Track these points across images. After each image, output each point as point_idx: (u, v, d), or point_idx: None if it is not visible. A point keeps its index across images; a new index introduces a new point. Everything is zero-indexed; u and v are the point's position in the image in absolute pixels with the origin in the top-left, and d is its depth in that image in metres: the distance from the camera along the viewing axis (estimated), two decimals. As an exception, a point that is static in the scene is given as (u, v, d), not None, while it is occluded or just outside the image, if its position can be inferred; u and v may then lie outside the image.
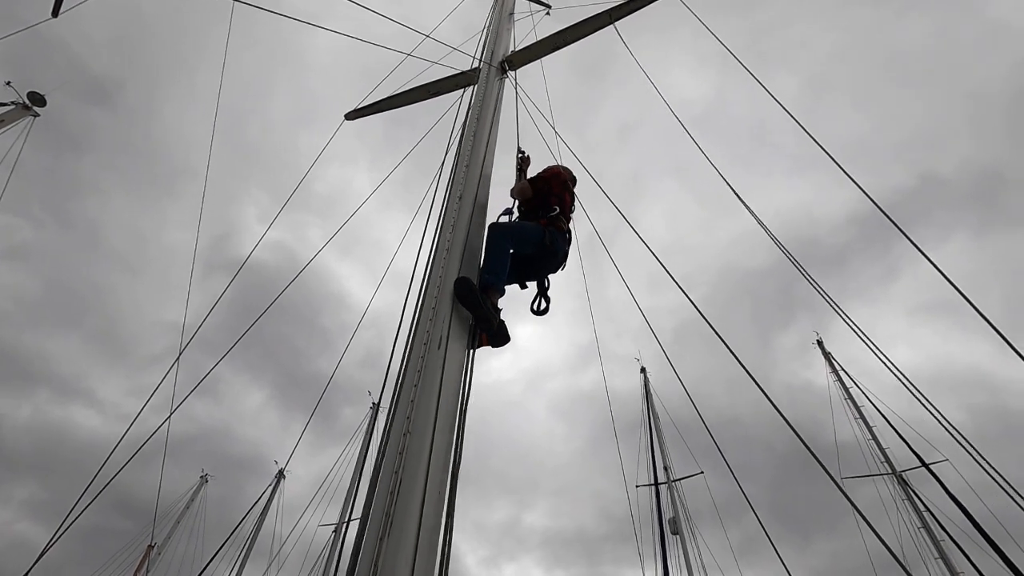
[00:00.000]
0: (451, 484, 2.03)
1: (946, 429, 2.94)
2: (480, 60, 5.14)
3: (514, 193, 3.72)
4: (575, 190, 3.92)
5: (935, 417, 3.01)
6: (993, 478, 2.67)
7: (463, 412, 2.33)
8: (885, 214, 3.18)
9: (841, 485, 2.37)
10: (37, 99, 12.46)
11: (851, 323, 3.08)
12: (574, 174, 4.03)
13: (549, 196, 3.56)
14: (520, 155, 4.23)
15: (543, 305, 3.42)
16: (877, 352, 3.27)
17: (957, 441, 2.80)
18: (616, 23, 5.37)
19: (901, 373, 3.39)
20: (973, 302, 2.53)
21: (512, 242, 3.13)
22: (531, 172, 4.22)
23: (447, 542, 1.86)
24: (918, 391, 3.16)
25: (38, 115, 12.60)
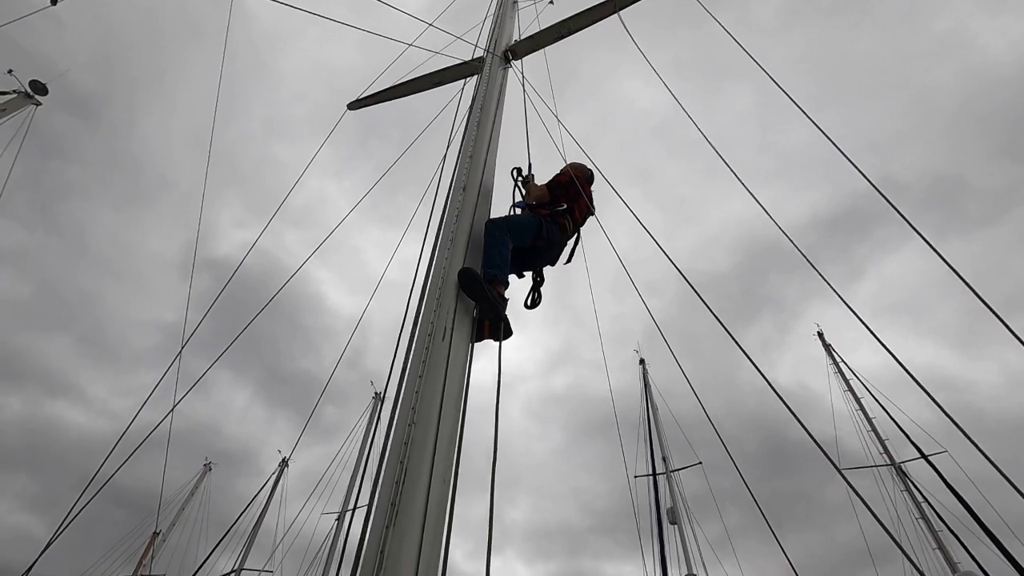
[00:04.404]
0: (454, 475, 2.04)
1: (950, 418, 2.94)
2: (484, 49, 5.11)
3: (530, 198, 3.71)
4: (592, 188, 3.90)
5: (939, 407, 3.01)
6: (997, 468, 2.68)
7: (465, 404, 2.33)
8: (890, 203, 3.17)
9: (844, 475, 2.38)
10: (39, 88, 12.39)
11: (858, 317, 3.08)
12: (590, 171, 3.99)
13: (562, 198, 3.60)
14: (522, 177, 4.00)
15: (535, 298, 3.44)
16: (884, 345, 3.27)
17: (961, 430, 2.80)
18: (620, 12, 5.32)
19: (903, 366, 3.39)
20: (972, 285, 2.53)
21: (510, 235, 3.13)
22: (539, 172, 4.19)
23: (449, 533, 1.87)
24: (919, 383, 3.16)
25: (40, 104, 12.54)
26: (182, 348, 4.18)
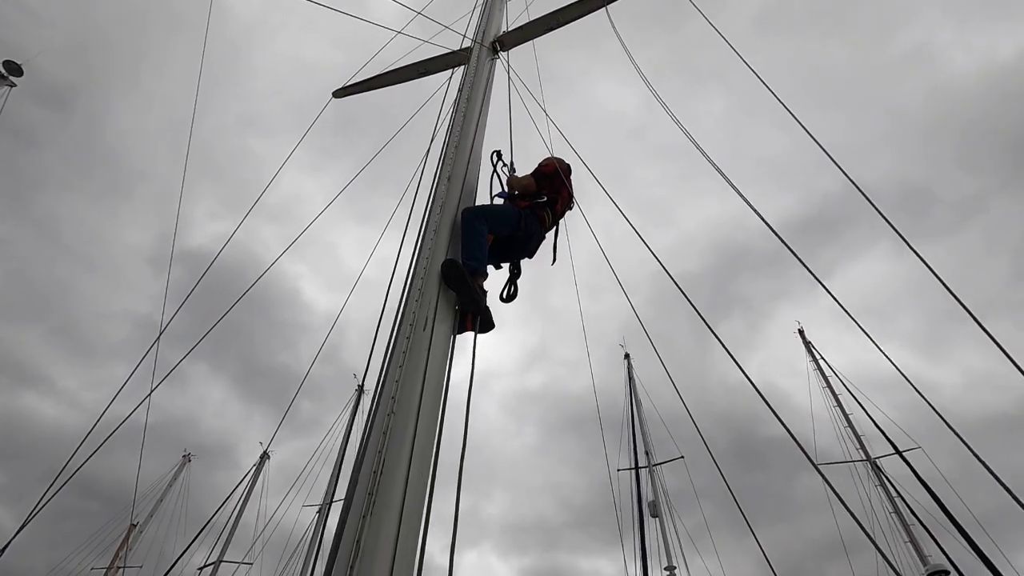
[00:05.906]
0: (433, 466, 2.03)
1: (939, 416, 2.99)
2: (471, 39, 5.06)
3: (516, 186, 3.65)
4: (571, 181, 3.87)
5: (929, 404, 3.07)
6: (983, 462, 2.73)
7: (446, 394, 2.33)
8: (873, 205, 3.21)
9: (820, 472, 2.42)
10: (14, 68, 12.07)
11: (849, 315, 3.12)
12: (567, 164, 3.96)
13: (545, 189, 3.55)
14: (505, 165, 4.00)
15: (512, 291, 3.36)
16: (874, 342, 3.31)
17: (949, 426, 2.86)
18: (608, 6, 5.30)
19: (893, 363, 3.43)
20: (939, 289, 2.58)
21: (487, 224, 3.06)
22: (520, 163, 4.14)
23: (427, 524, 1.86)
24: (909, 380, 3.21)
25: (15, 85, 12.22)
26: (159, 335, 4.11)
